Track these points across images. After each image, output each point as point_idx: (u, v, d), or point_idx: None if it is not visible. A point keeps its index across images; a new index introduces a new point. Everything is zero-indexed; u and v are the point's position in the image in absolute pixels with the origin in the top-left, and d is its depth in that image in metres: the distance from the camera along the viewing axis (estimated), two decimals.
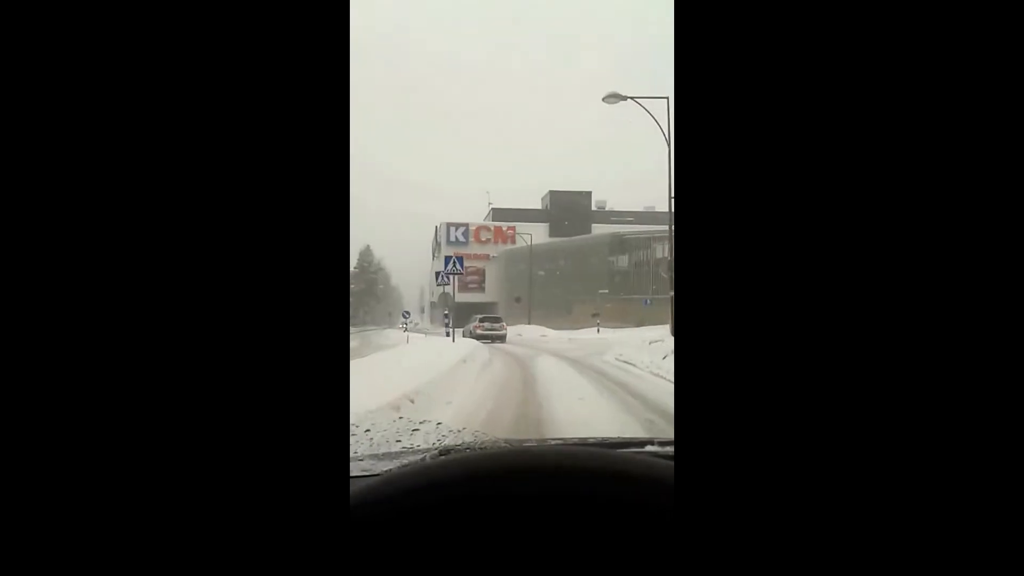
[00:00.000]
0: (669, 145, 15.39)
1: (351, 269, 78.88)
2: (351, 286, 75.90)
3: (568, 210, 52.73)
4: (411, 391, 7.44)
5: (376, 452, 1.37)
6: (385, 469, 0.96)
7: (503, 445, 1.20)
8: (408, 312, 43.13)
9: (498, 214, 54.99)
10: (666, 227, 19.96)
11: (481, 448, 1.12)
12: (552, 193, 54.75)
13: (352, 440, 1.48)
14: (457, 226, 52.67)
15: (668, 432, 4.73)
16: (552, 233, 51.17)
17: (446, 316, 20.89)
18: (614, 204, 56.44)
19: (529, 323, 38.16)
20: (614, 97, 16.05)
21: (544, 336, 31.86)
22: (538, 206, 56.70)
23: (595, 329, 32.62)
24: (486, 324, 25.90)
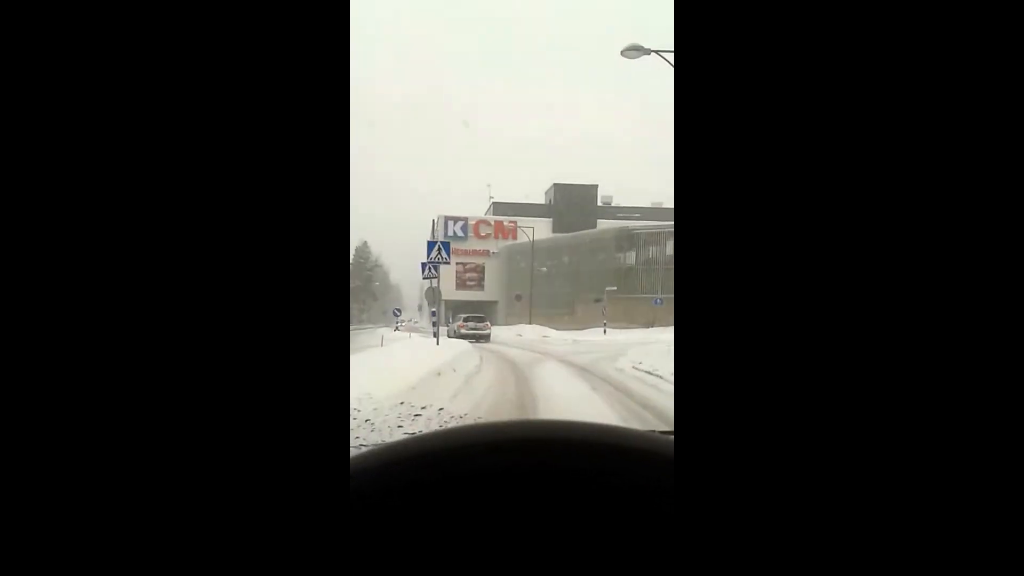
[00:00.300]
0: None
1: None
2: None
3: (573, 204, 49.81)
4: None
5: (379, 441, 1.41)
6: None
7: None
8: (400, 310, 40.36)
9: (499, 208, 52.02)
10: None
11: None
12: (556, 186, 51.80)
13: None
14: (455, 220, 49.67)
15: None
16: (556, 228, 48.22)
17: (433, 315, 17.87)
18: (620, 200, 53.59)
19: (530, 323, 35.21)
20: (635, 51, 13.18)
21: (546, 337, 28.96)
22: (542, 200, 53.79)
23: (601, 330, 29.69)
24: (470, 323, 25.53)
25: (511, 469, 0.58)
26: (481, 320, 26.77)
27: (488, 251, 49.06)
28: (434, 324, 19.06)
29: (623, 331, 28.82)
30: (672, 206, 0.56)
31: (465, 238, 49.29)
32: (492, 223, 49.92)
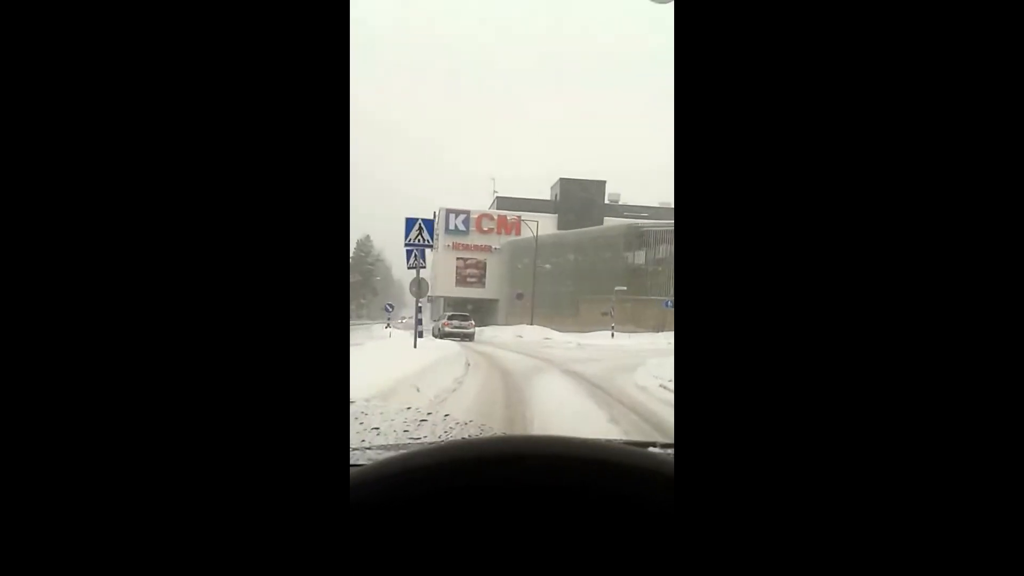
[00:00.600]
0: None
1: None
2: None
3: (579, 200, 47.04)
4: None
5: (383, 444, 1.38)
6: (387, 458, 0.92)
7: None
8: (392, 305, 37.75)
9: (503, 203, 49.31)
10: None
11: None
12: (563, 181, 49.04)
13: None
14: (457, 213, 46.99)
15: None
16: (561, 225, 45.47)
17: (419, 311, 15.10)
18: (627, 199, 50.81)
19: (531, 323, 32.52)
20: None
21: (548, 339, 26.28)
22: (547, 196, 51.05)
23: (608, 333, 26.98)
24: (454, 322, 25.38)
25: (507, 485, 0.57)
26: (466, 319, 26.55)
27: (490, 247, 46.35)
28: (419, 322, 16.36)
29: (631, 335, 26.14)
30: None
31: (467, 232, 46.58)
32: (495, 217, 47.21)
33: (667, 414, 7.04)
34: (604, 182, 50.09)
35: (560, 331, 29.37)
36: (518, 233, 44.97)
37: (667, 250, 34.38)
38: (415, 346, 12.33)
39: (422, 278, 15.18)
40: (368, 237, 75.17)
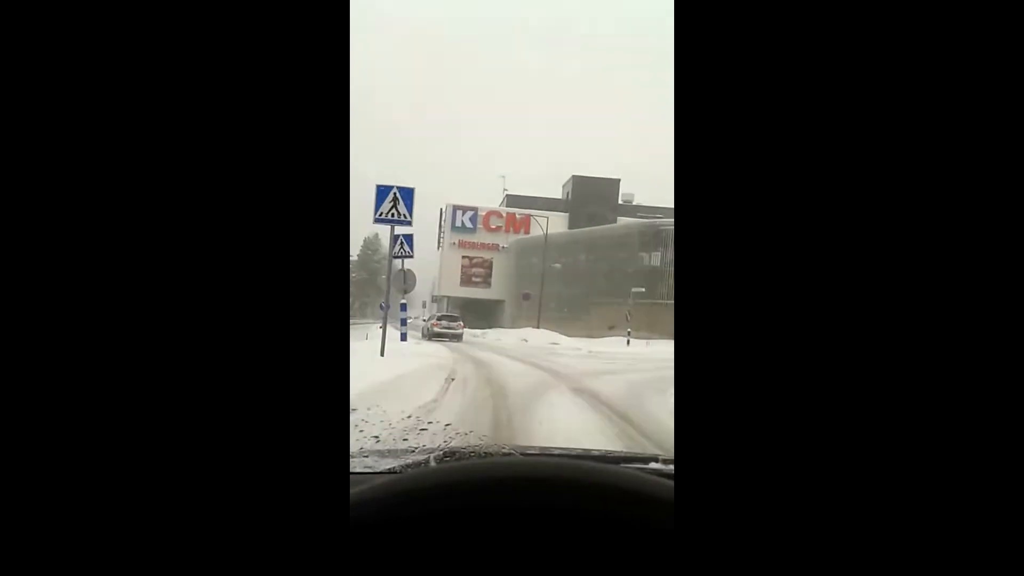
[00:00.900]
0: None
1: (352, 258, 73.22)
2: (353, 275, 69.04)
3: (592, 199, 44.24)
4: None
5: (381, 449, 1.47)
6: (388, 467, 1.01)
7: (508, 451, 1.13)
8: (387, 304, 34.93)
9: (513, 201, 46.51)
10: None
11: (486, 454, 1.09)
12: (575, 179, 46.27)
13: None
14: (464, 209, 44.32)
15: None
16: (572, 225, 42.67)
17: (403, 308, 12.35)
18: (642, 200, 47.95)
19: (538, 326, 29.74)
20: None
21: (555, 345, 23.49)
22: (559, 195, 48.27)
23: (623, 339, 24.15)
24: (443, 322, 24.84)
25: (505, 507, 0.57)
26: (454, 320, 25.96)
27: (498, 245, 43.63)
28: (403, 323, 13.64)
29: (649, 342, 23.30)
30: None
31: (474, 230, 43.89)
32: (504, 215, 44.49)
33: None
34: (618, 180, 47.24)
35: (569, 336, 26.58)
36: (527, 231, 42.23)
37: None
38: (382, 353, 9.54)
39: (408, 270, 12.48)
40: (376, 236, 73.10)
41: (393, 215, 9.46)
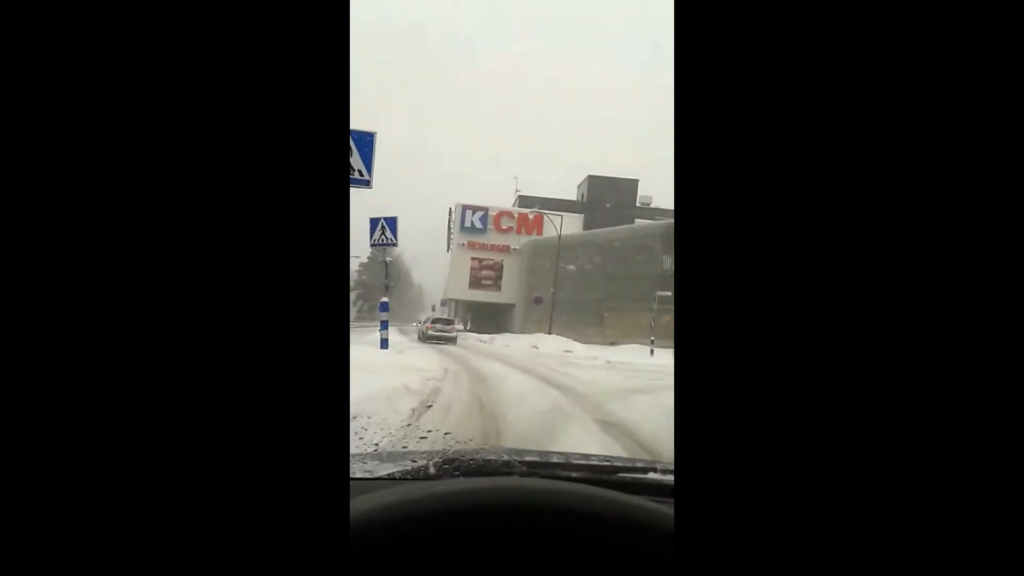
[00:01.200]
0: None
1: (362, 260, 71.49)
2: (361, 278, 66.97)
3: (609, 200, 41.77)
4: None
5: (381, 454, 1.44)
6: (387, 472, 1.03)
7: (507, 458, 1.12)
8: (386, 304, 32.65)
9: (526, 202, 44.08)
10: None
11: (484, 461, 1.10)
12: (591, 179, 43.86)
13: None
14: (475, 210, 41.98)
15: None
16: (587, 226, 40.18)
17: (384, 308, 10.07)
18: (660, 203, 45.45)
19: (550, 332, 27.33)
20: None
21: (569, 353, 21.09)
22: (573, 197, 45.84)
23: (645, 348, 21.66)
24: (437, 325, 24.98)
25: (504, 531, 0.57)
26: (448, 323, 26.21)
27: (509, 247, 41.26)
28: (384, 326, 11.31)
29: (670, 352, 20.80)
30: None
31: (484, 231, 41.53)
32: (515, 215, 42.11)
33: None
34: (636, 181, 44.74)
35: (584, 342, 24.17)
36: (540, 232, 39.86)
37: None
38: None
39: (392, 261, 10.15)
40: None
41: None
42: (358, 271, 71.28)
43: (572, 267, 32.23)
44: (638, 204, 44.19)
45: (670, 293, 25.81)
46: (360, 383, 5.68)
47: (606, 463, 1.31)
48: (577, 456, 1.42)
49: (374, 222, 10.21)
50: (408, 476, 1.03)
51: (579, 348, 22.53)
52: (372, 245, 10.47)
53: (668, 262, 30.18)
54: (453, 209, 42.52)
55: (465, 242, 41.49)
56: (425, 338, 23.86)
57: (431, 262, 56.51)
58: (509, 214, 42.31)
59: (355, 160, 7.46)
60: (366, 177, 7.57)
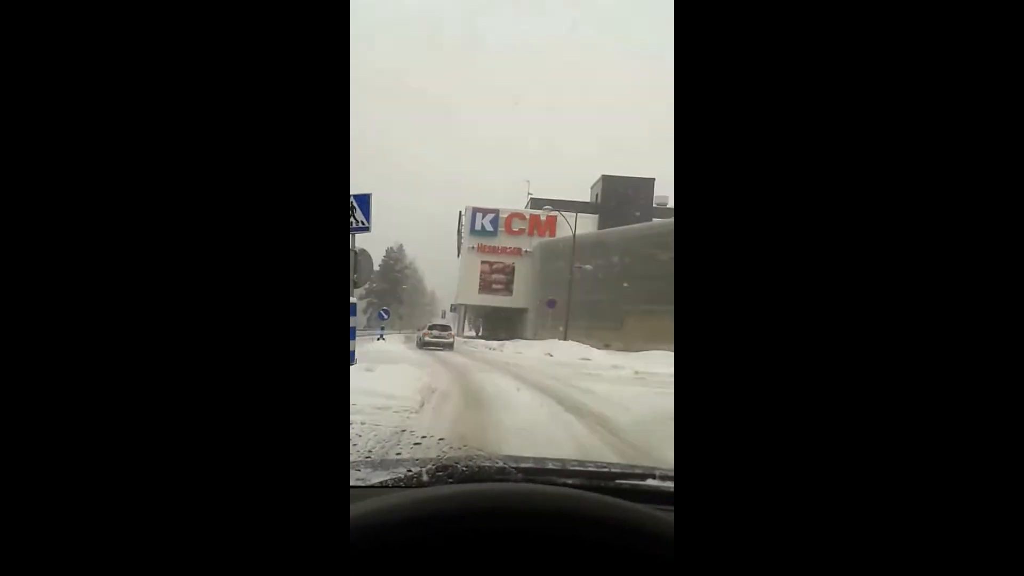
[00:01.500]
0: None
1: (374, 268, 69.59)
2: (372, 285, 65.14)
3: (624, 200, 39.30)
4: None
5: (374, 461, 1.38)
6: (380, 480, 1.02)
7: (502, 465, 1.12)
8: (387, 311, 30.58)
9: (538, 204, 41.67)
10: None
11: (479, 467, 1.09)
12: (605, 178, 41.45)
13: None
14: (485, 212, 39.62)
15: None
16: (601, 227, 37.68)
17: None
18: None
19: (565, 338, 24.87)
20: None
21: (587, 361, 18.67)
22: (587, 198, 43.40)
23: (672, 353, 19.11)
24: (434, 332, 25.15)
25: (504, 535, 0.56)
26: (445, 329, 26.16)
27: (520, 249, 38.87)
28: (351, 333, 8.91)
29: None
30: None
31: (495, 233, 39.15)
32: (527, 216, 39.74)
33: None
34: (652, 180, 42.25)
35: (603, 349, 21.75)
36: (552, 234, 37.47)
37: None
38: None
39: (363, 251, 7.80)
40: (401, 246, 69.66)
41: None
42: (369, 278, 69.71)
43: (589, 266, 29.69)
44: (655, 205, 41.69)
45: None
46: None
47: (604, 469, 1.30)
48: (574, 463, 1.39)
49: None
50: (401, 484, 1.00)
51: (597, 355, 20.10)
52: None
53: None
54: (463, 212, 40.25)
55: (475, 245, 39.16)
56: (422, 344, 24.13)
57: (443, 268, 54.35)
58: (520, 216, 39.94)
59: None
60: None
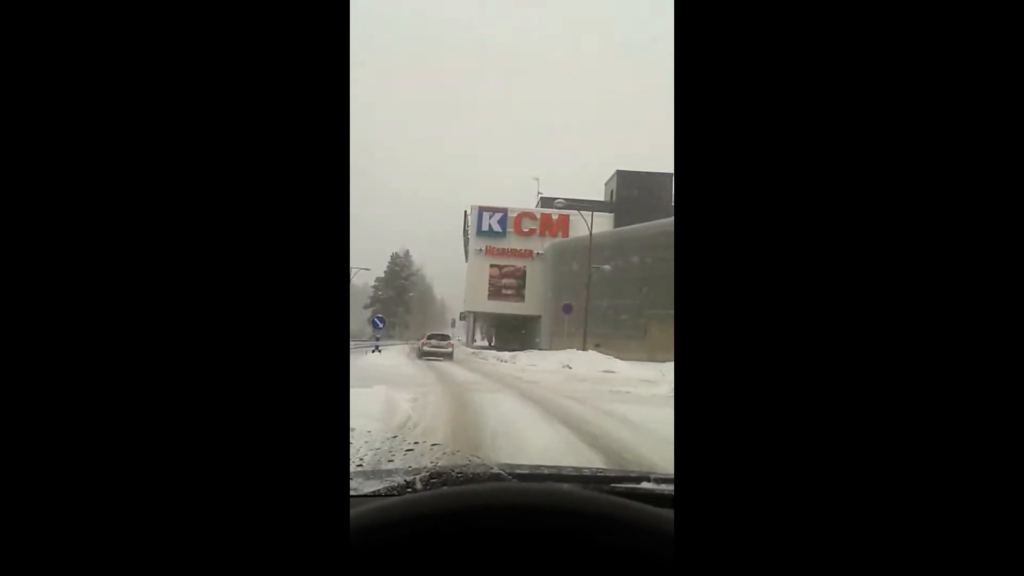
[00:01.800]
0: None
1: (378, 275, 67.96)
2: (377, 293, 63.01)
3: (641, 197, 36.94)
4: None
5: (366, 470, 1.34)
6: (373, 489, 1.01)
7: (496, 471, 1.11)
8: (382, 319, 28.25)
9: (548, 204, 39.48)
10: None
11: (474, 475, 1.08)
12: (620, 174, 39.13)
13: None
14: (492, 212, 37.37)
15: None
16: (617, 226, 35.36)
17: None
18: None
19: (584, 348, 22.49)
20: None
21: (611, 374, 16.36)
22: (600, 196, 41.06)
23: None
24: (432, 341, 24.86)
25: (504, 534, 0.56)
26: (444, 338, 25.76)
27: (532, 252, 36.59)
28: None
29: None
30: None
31: (503, 235, 36.89)
32: (538, 216, 37.44)
33: None
34: (671, 175, 39.95)
35: (627, 359, 19.38)
36: (565, 234, 35.18)
37: None
38: None
39: None
40: (407, 252, 67.83)
41: None
42: (374, 286, 67.96)
43: (608, 267, 27.29)
44: (674, 202, 39.31)
45: None
46: None
47: (599, 474, 1.38)
48: (569, 469, 1.45)
49: None
50: (395, 492, 1.00)
51: (622, 367, 17.75)
52: None
53: None
54: (468, 212, 38.01)
55: (483, 248, 36.89)
56: (422, 354, 23.81)
57: (453, 275, 52.18)
58: (530, 215, 37.67)
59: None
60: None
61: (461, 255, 41.12)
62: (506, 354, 26.07)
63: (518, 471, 1.16)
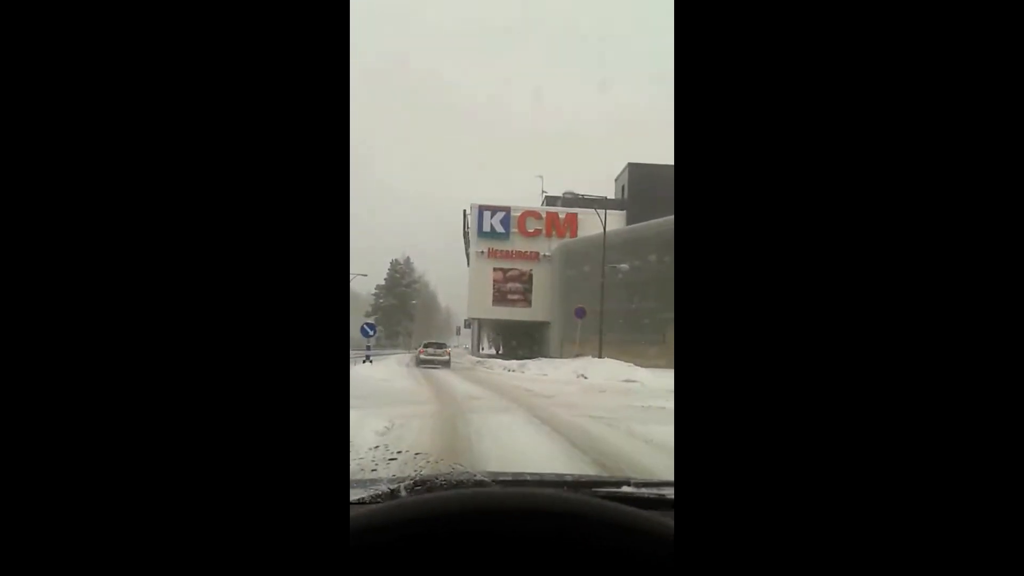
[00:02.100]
0: None
1: (379, 283, 66.21)
2: (379, 301, 61.22)
3: (654, 192, 35.03)
4: None
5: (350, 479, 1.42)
6: (357, 498, 1.03)
7: (480, 478, 1.14)
8: (371, 326, 26.37)
9: (554, 203, 37.63)
10: None
11: (458, 482, 1.10)
12: (632, 167, 37.23)
13: None
14: (494, 211, 35.49)
15: None
16: (629, 224, 33.49)
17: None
18: None
19: (600, 354, 20.58)
20: None
21: (631, 383, 14.52)
22: (610, 194, 39.19)
23: None
24: (429, 350, 24.77)
25: (498, 537, 0.57)
26: (440, 347, 25.97)
27: (538, 253, 34.71)
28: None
29: None
30: None
31: (507, 236, 34.98)
32: (543, 215, 35.54)
33: None
34: None
35: (648, 367, 17.49)
36: (573, 234, 33.31)
37: None
38: None
39: None
40: (408, 259, 66.19)
41: None
42: (375, 294, 66.30)
43: (626, 266, 25.36)
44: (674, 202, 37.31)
45: None
46: None
47: (582, 479, 1.44)
48: (551, 475, 1.50)
49: None
50: (379, 500, 1.02)
51: (644, 375, 15.89)
52: None
53: None
54: (468, 212, 36.15)
55: (485, 250, 35.01)
56: (419, 362, 23.79)
57: (456, 281, 50.30)
58: (535, 214, 35.79)
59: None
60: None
61: (464, 260, 39.32)
62: (514, 363, 24.22)
63: (501, 478, 1.19)
